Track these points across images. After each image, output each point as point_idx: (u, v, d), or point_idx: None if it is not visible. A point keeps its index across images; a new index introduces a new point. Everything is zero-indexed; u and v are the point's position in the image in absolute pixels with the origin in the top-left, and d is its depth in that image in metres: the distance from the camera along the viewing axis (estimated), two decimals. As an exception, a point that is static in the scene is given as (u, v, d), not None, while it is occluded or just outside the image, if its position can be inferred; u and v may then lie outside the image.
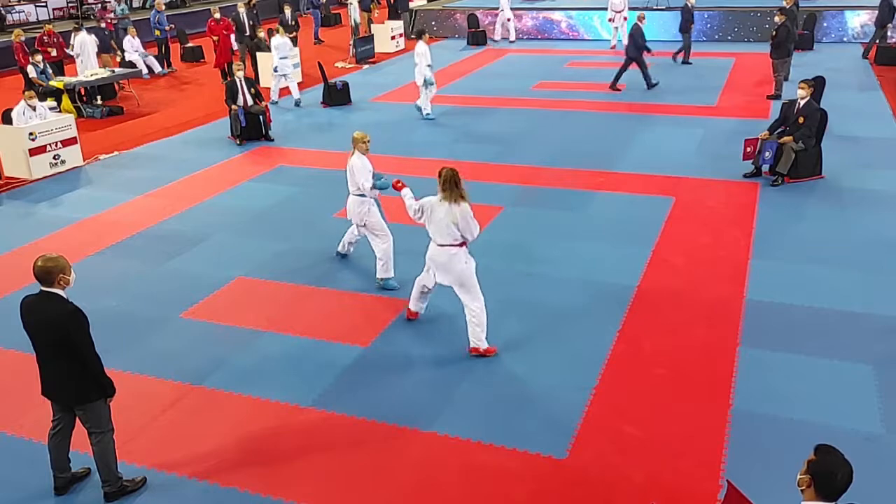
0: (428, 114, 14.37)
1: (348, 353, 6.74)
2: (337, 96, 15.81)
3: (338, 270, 8.40)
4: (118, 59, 18.36)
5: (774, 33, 14.76)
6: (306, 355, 6.76)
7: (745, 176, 10.70)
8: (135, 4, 27.42)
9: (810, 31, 19.78)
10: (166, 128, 14.58)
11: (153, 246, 9.18)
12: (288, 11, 20.03)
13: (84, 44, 17.23)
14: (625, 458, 5.33)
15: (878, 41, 17.98)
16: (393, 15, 23.86)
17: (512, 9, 22.66)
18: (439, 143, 12.96)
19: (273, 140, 13.41)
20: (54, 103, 14.76)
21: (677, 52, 18.81)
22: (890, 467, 5.15)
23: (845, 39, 20.44)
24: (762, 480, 4.99)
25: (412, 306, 7.20)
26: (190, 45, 21.76)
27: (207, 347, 6.93)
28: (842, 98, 14.28)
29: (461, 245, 6.45)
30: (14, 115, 12.00)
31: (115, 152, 13.08)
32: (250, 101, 13.35)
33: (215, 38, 18.51)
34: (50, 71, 15.95)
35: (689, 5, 18.11)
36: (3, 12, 22.95)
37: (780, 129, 10.70)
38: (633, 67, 15.90)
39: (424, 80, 14.03)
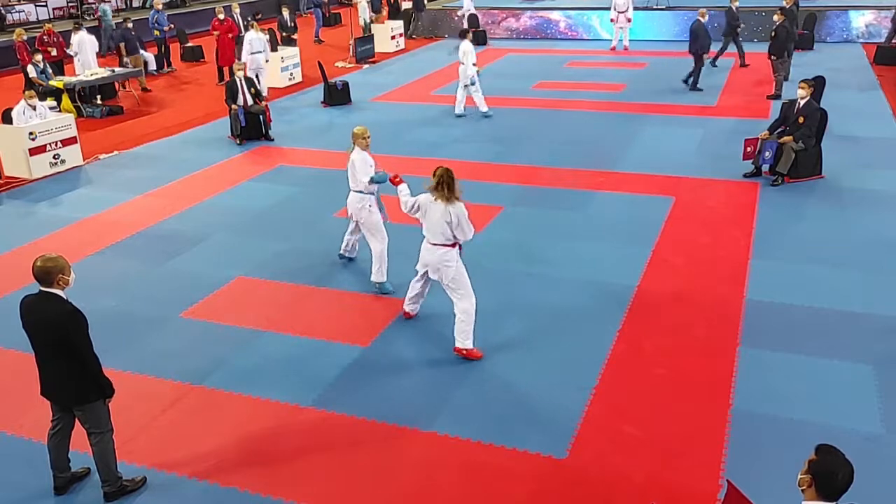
0: (486, 111, 14.40)
1: (348, 353, 6.74)
2: (337, 96, 15.83)
3: (338, 270, 8.40)
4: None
5: (774, 33, 14.76)
6: (306, 355, 6.75)
7: (745, 176, 10.70)
8: (135, 4, 27.40)
9: (810, 31, 19.78)
10: (166, 127, 14.58)
11: (153, 246, 9.18)
12: (286, 13, 20.02)
13: (82, 43, 17.19)
14: (625, 458, 5.33)
15: (893, 40, 17.92)
16: (398, 16, 23.79)
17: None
18: (439, 142, 12.96)
19: (273, 140, 13.41)
20: (54, 103, 14.74)
21: (718, 55, 17.90)
22: (890, 467, 5.15)
23: (849, 39, 20.44)
24: (762, 480, 4.99)
25: (406, 307, 7.24)
26: (190, 44, 21.73)
27: (207, 347, 6.93)
28: (842, 98, 14.28)
29: (452, 246, 6.45)
30: (14, 114, 12.00)
31: (115, 152, 13.07)
32: (250, 101, 13.35)
33: (216, 33, 18.37)
34: (50, 70, 15.93)
35: (734, 8, 17.48)
36: (3, 12, 22.90)
37: (780, 129, 10.70)
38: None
39: (470, 80, 14.07)
